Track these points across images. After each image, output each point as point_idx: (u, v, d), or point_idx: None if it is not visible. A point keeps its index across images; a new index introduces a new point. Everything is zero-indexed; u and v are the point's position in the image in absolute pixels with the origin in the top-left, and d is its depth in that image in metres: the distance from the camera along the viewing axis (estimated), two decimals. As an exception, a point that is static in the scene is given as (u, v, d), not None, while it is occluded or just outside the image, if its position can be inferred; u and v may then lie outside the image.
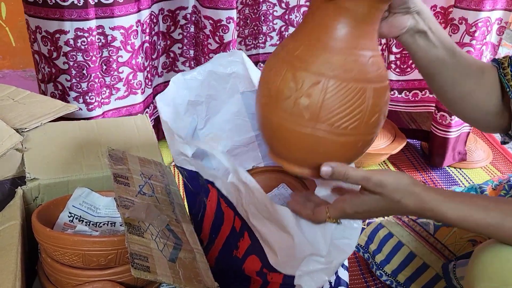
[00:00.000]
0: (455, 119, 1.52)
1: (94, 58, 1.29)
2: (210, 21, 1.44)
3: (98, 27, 1.28)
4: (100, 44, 1.31)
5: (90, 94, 1.33)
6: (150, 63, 1.48)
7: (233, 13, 1.43)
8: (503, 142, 0.86)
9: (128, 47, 1.36)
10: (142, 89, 1.46)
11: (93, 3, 1.24)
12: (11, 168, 0.99)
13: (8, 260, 0.77)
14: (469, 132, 1.59)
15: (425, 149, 1.72)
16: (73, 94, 1.32)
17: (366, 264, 1.20)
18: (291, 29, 1.65)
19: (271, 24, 1.66)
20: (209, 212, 0.90)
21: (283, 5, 1.61)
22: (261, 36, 1.67)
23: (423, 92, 1.64)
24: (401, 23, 0.75)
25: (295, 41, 0.68)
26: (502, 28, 1.43)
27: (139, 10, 1.34)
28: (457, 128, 1.56)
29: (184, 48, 1.57)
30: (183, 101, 0.96)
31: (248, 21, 1.61)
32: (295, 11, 1.61)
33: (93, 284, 0.79)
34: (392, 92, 1.64)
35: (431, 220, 0.71)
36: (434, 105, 1.59)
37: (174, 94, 0.94)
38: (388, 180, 0.66)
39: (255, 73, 0.96)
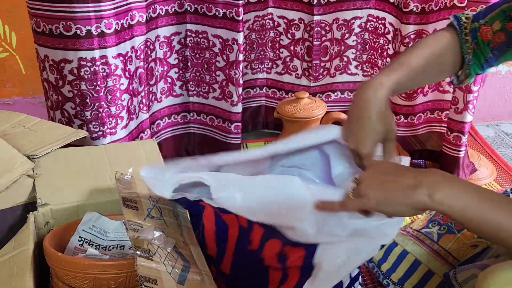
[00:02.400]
0: (465, 138, 1.54)
1: (98, 88, 1.32)
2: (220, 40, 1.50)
3: (102, 57, 1.31)
4: (104, 74, 1.33)
5: (93, 123, 1.35)
6: (146, 88, 1.50)
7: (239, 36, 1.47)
8: (451, 82, 0.97)
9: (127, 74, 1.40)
10: (136, 113, 1.48)
11: (96, 33, 1.26)
12: (22, 194, 1.02)
13: (21, 284, 0.79)
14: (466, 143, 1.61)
15: (429, 167, 1.73)
16: (77, 122, 1.35)
17: (371, 275, 1.21)
18: (296, 61, 1.68)
19: (277, 52, 1.69)
20: (208, 226, 0.92)
21: (289, 35, 1.64)
22: (267, 61, 1.70)
23: (425, 114, 1.67)
24: None
25: None
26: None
27: (132, 37, 1.38)
28: (465, 146, 1.57)
29: (180, 72, 1.61)
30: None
31: (255, 46, 1.65)
32: (300, 43, 1.64)
33: (104, 307, 0.81)
34: (398, 117, 1.66)
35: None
36: (445, 125, 1.59)
37: None
38: None
39: None
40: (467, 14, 0.91)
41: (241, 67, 1.54)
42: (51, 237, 0.89)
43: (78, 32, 1.24)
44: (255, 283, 0.88)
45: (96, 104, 1.33)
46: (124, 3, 1.31)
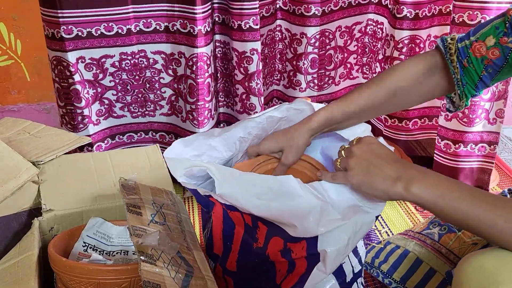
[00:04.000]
0: (462, 148, 1.52)
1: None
2: (236, 53, 1.49)
3: (141, 50, 1.40)
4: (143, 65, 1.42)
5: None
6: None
7: (258, 45, 1.47)
8: (448, 110, 0.96)
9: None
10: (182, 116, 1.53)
11: (135, 31, 1.35)
12: (27, 200, 1.03)
13: (26, 289, 0.80)
14: (491, 169, 1.54)
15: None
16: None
17: (372, 279, 1.21)
18: (299, 76, 1.68)
19: (284, 64, 1.69)
20: (216, 223, 0.93)
21: (292, 50, 1.65)
22: (276, 73, 1.70)
23: (422, 120, 1.67)
24: None
25: None
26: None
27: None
28: (470, 159, 1.53)
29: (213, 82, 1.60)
30: (235, 136, 1.01)
31: (267, 60, 1.65)
32: (303, 58, 1.64)
33: (108, 312, 0.81)
34: (392, 120, 1.67)
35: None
36: (435, 132, 1.58)
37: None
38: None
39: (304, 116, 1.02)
40: (452, 35, 0.90)
41: (260, 78, 1.54)
42: (56, 243, 0.90)
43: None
44: (262, 275, 0.90)
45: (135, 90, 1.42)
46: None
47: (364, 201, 0.83)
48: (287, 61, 1.68)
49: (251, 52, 1.47)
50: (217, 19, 1.49)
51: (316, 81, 1.70)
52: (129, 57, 1.44)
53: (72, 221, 1.00)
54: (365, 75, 1.79)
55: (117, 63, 1.44)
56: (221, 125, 1.65)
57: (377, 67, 1.70)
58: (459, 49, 0.87)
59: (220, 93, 1.61)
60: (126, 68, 1.45)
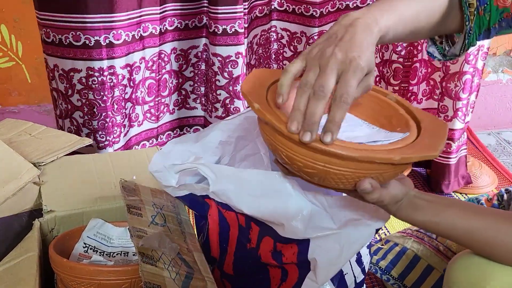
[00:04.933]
0: (455, 145, 1.56)
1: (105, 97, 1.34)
2: (219, 58, 1.48)
3: (110, 67, 1.32)
4: (111, 84, 1.34)
5: (100, 132, 1.37)
6: (156, 99, 1.51)
7: (242, 48, 1.47)
8: (430, 54, 0.85)
9: (131, 83, 1.41)
10: (140, 121, 1.48)
11: (104, 44, 1.28)
12: (28, 201, 1.03)
13: (27, 290, 0.80)
14: (466, 155, 1.62)
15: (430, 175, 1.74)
16: (85, 130, 1.37)
17: (369, 277, 1.22)
18: None
19: (281, 64, 1.70)
20: (212, 226, 0.93)
21: (291, 48, 1.65)
22: None
23: None
24: None
25: None
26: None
27: (143, 48, 1.39)
28: (456, 154, 1.59)
29: (195, 85, 1.60)
30: (215, 141, 1.00)
31: (261, 60, 1.66)
32: None
33: (108, 313, 0.82)
34: None
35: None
36: None
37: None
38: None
39: None
40: None
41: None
42: (56, 244, 0.91)
43: (87, 42, 1.26)
44: (257, 282, 0.90)
45: (103, 113, 1.35)
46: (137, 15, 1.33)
47: (365, 214, 0.80)
48: (285, 59, 1.68)
49: (236, 56, 1.47)
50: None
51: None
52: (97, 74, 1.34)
53: (72, 222, 1.00)
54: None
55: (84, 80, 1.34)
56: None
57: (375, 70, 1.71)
58: None
59: (204, 97, 1.61)
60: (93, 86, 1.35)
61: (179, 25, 1.47)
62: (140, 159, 1.20)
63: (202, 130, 1.03)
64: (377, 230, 0.80)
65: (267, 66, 1.69)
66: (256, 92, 0.70)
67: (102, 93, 1.33)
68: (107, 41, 1.28)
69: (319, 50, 0.64)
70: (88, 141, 1.22)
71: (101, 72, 1.31)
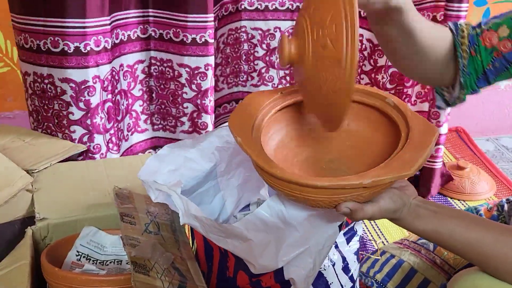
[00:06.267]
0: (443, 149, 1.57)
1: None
2: (187, 69, 1.40)
3: (49, 76, 1.23)
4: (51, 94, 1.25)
5: None
6: (115, 125, 1.36)
7: (211, 60, 1.40)
8: (438, 107, 0.88)
9: (81, 104, 1.26)
10: (103, 154, 1.32)
11: (45, 49, 1.21)
12: (21, 209, 1.02)
13: (18, 300, 0.79)
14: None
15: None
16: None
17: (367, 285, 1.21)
18: (272, 71, 1.66)
19: (252, 64, 1.68)
20: (199, 243, 0.93)
21: (264, 46, 1.64)
22: (242, 74, 1.69)
23: None
24: None
25: None
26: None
27: (97, 65, 1.25)
28: (442, 157, 1.60)
29: (145, 104, 1.48)
30: (211, 147, 0.99)
31: (230, 60, 1.64)
32: (276, 52, 1.64)
33: (100, 323, 0.81)
34: None
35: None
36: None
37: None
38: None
39: None
40: (466, 22, 0.82)
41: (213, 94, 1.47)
42: (49, 252, 0.90)
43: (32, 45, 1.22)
44: None
45: (45, 123, 1.28)
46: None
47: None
48: (256, 59, 1.64)
49: (206, 68, 1.39)
50: (153, 33, 1.39)
51: (288, 77, 1.67)
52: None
53: (65, 230, 0.99)
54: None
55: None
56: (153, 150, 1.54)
57: (362, 79, 1.70)
58: (470, 35, 0.80)
59: (155, 115, 1.50)
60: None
61: (122, 37, 1.35)
62: (135, 166, 1.19)
63: (199, 136, 1.02)
64: (340, 226, 0.81)
65: (236, 67, 1.65)
66: (243, 123, 0.74)
67: (44, 101, 1.26)
68: (46, 47, 1.20)
69: None
70: (82, 147, 1.21)
71: (42, 79, 1.24)
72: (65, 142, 1.23)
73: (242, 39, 1.62)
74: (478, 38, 0.78)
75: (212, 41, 1.36)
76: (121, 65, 1.37)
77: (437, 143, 1.56)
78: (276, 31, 1.60)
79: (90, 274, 0.88)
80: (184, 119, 1.46)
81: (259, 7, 1.58)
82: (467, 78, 0.81)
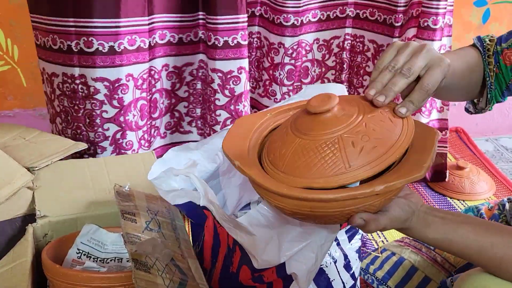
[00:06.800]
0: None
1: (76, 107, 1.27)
2: (219, 74, 1.35)
3: (81, 76, 1.23)
4: (83, 94, 1.25)
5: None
6: (148, 122, 1.37)
7: (245, 63, 1.36)
8: (467, 110, 0.92)
9: (114, 102, 1.27)
10: (134, 150, 1.34)
11: (76, 50, 1.21)
12: (22, 206, 1.02)
13: (19, 296, 0.79)
14: (447, 152, 1.66)
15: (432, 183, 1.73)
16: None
17: (367, 285, 1.21)
18: (275, 86, 1.60)
19: (261, 72, 1.62)
20: (207, 238, 0.93)
21: (269, 59, 1.58)
22: (252, 80, 1.63)
23: None
24: None
25: None
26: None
27: (131, 64, 1.25)
28: None
29: (191, 106, 1.47)
30: (215, 148, 0.99)
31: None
32: (279, 68, 1.56)
33: (101, 320, 0.81)
34: None
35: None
36: (446, 145, 1.63)
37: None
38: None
39: None
40: (491, 36, 0.86)
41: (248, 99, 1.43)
42: (49, 249, 0.90)
43: (61, 46, 1.22)
44: None
45: (75, 124, 1.28)
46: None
47: None
48: (263, 69, 1.59)
49: (239, 71, 1.34)
50: (202, 36, 1.36)
51: (291, 93, 1.59)
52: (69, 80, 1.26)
53: (66, 228, 0.99)
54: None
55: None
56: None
57: (365, 80, 1.69)
58: (494, 53, 0.84)
59: (201, 120, 1.48)
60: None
61: (171, 39, 1.34)
62: (135, 164, 1.19)
63: (205, 139, 1.02)
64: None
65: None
66: (238, 147, 0.72)
67: (74, 102, 1.26)
68: (78, 47, 1.21)
69: (410, 47, 0.69)
70: (83, 145, 1.21)
71: (73, 80, 1.24)
72: (66, 140, 1.23)
73: (255, 45, 1.57)
74: (499, 57, 0.83)
75: (244, 42, 1.33)
76: (166, 65, 1.36)
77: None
78: (280, 47, 1.53)
79: (91, 272, 0.88)
80: (217, 127, 1.42)
81: (269, 18, 1.52)
82: (493, 93, 0.86)
